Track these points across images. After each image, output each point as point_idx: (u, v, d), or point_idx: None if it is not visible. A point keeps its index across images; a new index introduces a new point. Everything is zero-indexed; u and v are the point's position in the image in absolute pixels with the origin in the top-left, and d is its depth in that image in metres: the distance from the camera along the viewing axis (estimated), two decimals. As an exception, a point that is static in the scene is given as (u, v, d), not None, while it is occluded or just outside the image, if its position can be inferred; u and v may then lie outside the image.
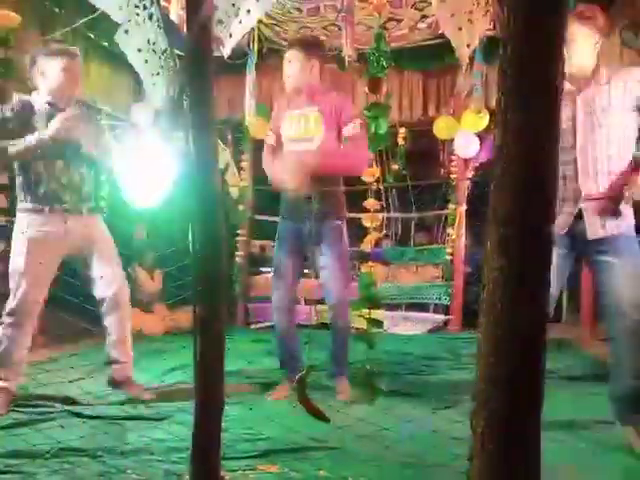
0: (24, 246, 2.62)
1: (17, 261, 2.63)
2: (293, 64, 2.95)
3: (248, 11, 2.36)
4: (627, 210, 2.28)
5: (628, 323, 2.18)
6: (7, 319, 2.63)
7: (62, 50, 2.69)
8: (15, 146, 2.53)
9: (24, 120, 2.61)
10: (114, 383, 2.91)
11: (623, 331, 2.20)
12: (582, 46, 2.24)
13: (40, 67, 2.65)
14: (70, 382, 3.14)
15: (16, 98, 2.65)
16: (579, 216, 2.26)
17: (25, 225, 2.65)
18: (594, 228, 2.24)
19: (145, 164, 2.94)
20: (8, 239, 2.85)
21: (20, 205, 2.69)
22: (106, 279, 2.81)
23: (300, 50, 2.94)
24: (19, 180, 2.69)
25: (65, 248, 2.73)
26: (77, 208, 2.74)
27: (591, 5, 2.28)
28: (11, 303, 2.63)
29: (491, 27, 2.80)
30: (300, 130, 2.95)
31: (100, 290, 2.82)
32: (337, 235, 2.93)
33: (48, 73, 2.65)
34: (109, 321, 2.85)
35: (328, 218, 2.90)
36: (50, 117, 2.62)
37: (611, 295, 2.24)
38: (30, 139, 2.55)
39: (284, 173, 2.84)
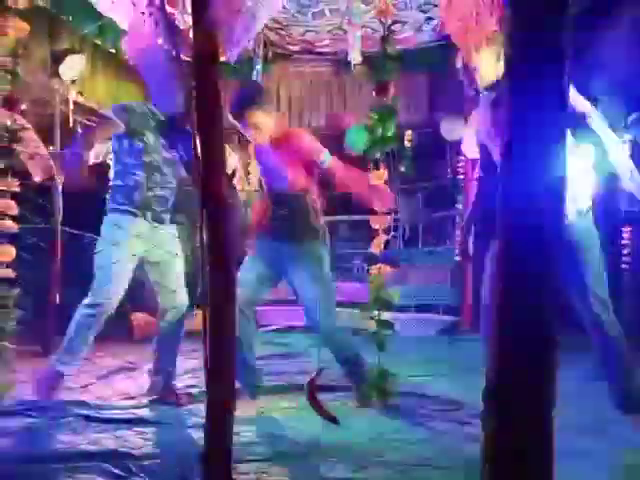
0: (114, 243, 2.77)
1: (105, 256, 2.77)
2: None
3: (254, 16, 2.38)
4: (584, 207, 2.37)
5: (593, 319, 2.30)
6: (87, 310, 2.75)
7: None
8: None
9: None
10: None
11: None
12: None
13: None
14: (83, 387, 3.17)
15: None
16: None
17: (117, 224, 2.79)
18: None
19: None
20: (21, 246, 2.89)
21: (113, 206, 2.85)
22: (171, 289, 2.93)
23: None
24: (116, 184, 2.85)
25: (146, 249, 2.87)
26: (162, 218, 2.90)
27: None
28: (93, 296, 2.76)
29: (497, 28, 2.79)
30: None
31: (164, 299, 2.94)
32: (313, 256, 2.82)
33: None
34: (165, 330, 2.94)
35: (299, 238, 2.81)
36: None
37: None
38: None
39: None
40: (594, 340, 2.44)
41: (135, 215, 2.81)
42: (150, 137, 2.82)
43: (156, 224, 2.87)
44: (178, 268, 2.97)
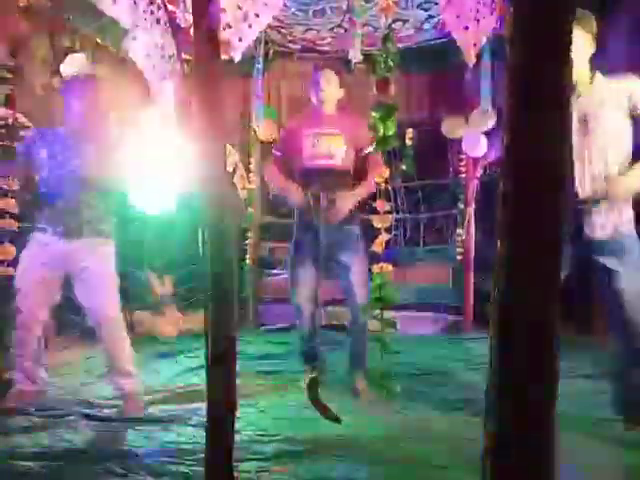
0: (24, 263, 2.67)
1: (17, 277, 2.68)
2: (332, 84, 3.17)
3: (257, 15, 2.37)
4: (628, 211, 2.32)
5: (629, 326, 2.22)
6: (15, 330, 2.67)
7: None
8: None
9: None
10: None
11: (624, 333, 2.24)
12: (578, 51, 2.27)
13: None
14: (84, 385, 3.17)
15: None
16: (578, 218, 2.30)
17: (28, 245, 2.69)
18: (592, 229, 2.30)
19: (153, 170, 2.94)
20: (19, 244, 2.88)
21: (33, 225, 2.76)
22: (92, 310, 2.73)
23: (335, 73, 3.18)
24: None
25: (64, 268, 2.70)
26: (76, 231, 2.70)
27: (585, 11, 2.32)
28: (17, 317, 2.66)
29: (498, 26, 2.79)
30: (322, 149, 3.11)
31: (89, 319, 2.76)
32: (355, 239, 3.08)
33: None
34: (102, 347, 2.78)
35: (343, 223, 3.02)
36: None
37: (612, 296, 2.27)
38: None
39: (303, 186, 3.06)
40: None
41: (44, 231, 2.69)
42: (44, 153, 2.69)
43: (67, 239, 2.69)
44: (103, 284, 2.73)
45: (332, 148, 3.10)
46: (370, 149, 3.06)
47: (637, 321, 2.24)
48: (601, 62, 2.43)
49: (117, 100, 2.87)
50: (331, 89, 3.16)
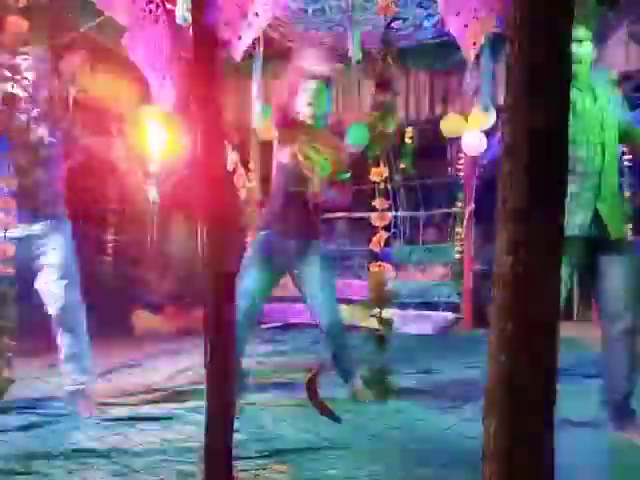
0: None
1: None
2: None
3: (256, 14, 2.37)
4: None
5: (622, 325, 2.23)
6: None
7: None
8: None
9: None
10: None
11: (617, 332, 2.24)
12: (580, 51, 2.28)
13: None
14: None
15: None
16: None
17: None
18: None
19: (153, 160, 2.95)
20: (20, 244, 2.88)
21: None
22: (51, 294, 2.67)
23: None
24: None
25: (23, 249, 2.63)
26: (32, 210, 2.65)
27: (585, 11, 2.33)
28: None
29: (498, 24, 2.79)
30: None
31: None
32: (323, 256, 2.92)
33: None
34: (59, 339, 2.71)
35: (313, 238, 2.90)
36: None
37: (607, 295, 2.27)
38: None
39: None
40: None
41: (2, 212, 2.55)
42: None
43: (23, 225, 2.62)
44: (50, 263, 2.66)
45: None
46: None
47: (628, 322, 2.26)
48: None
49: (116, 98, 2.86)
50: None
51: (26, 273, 2.69)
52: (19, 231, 2.62)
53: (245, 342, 2.79)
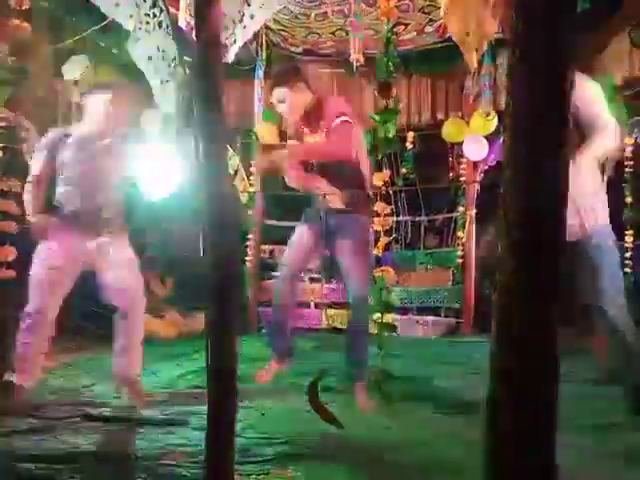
0: (46, 256, 2.72)
1: (37, 270, 2.72)
2: (284, 104, 2.99)
3: (252, 16, 2.38)
4: (601, 209, 2.39)
5: (607, 319, 2.33)
6: (26, 322, 2.70)
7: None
8: None
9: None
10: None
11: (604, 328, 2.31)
12: None
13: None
14: (85, 387, 3.17)
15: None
16: None
17: (49, 238, 2.75)
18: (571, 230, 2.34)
19: (156, 163, 2.99)
20: (20, 246, 2.89)
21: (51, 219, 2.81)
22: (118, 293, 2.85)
23: (284, 86, 2.97)
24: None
25: (82, 262, 2.81)
26: (94, 227, 2.83)
27: None
28: (29, 308, 2.70)
29: (500, 30, 2.79)
30: None
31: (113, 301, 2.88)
32: (356, 230, 2.96)
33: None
34: (118, 331, 2.89)
35: (346, 213, 2.96)
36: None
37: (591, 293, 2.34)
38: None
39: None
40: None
41: (63, 228, 2.77)
42: (66, 154, 2.80)
43: (87, 235, 2.82)
44: (126, 276, 2.88)
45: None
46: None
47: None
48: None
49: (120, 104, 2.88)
50: (286, 110, 3.04)
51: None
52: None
53: None
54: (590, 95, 2.44)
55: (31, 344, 2.71)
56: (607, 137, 2.44)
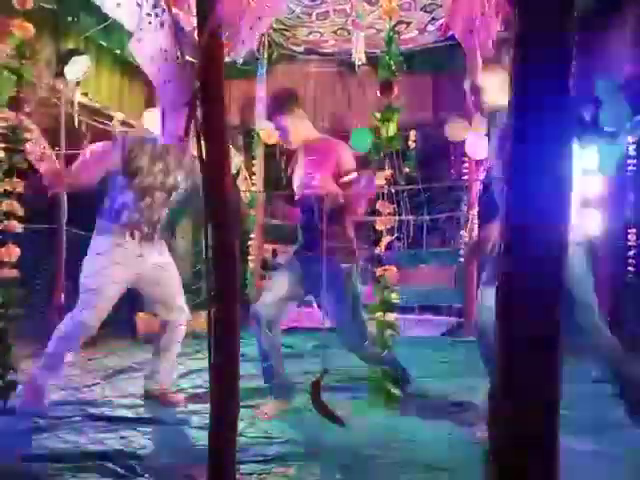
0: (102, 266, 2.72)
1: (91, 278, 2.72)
2: (284, 131, 2.90)
3: (259, 18, 2.38)
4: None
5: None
6: (68, 329, 2.69)
7: None
8: None
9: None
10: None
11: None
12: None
13: None
14: (87, 387, 3.17)
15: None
16: None
17: (104, 246, 2.75)
18: None
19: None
20: (25, 246, 2.89)
21: (101, 225, 2.81)
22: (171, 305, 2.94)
23: (282, 113, 2.87)
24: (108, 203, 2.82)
25: (137, 271, 2.82)
26: (151, 236, 2.86)
27: None
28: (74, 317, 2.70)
29: (502, 28, 2.79)
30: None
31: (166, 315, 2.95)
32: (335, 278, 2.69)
33: None
34: (162, 341, 2.95)
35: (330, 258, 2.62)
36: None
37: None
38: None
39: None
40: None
41: (124, 236, 2.77)
42: (144, 161, 2.78)
43: (145, 244, 2.83)
44: (174, 282, 2.96)
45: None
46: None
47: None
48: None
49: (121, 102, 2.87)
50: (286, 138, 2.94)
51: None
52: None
53: None
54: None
55: (69, 348, 2.71)
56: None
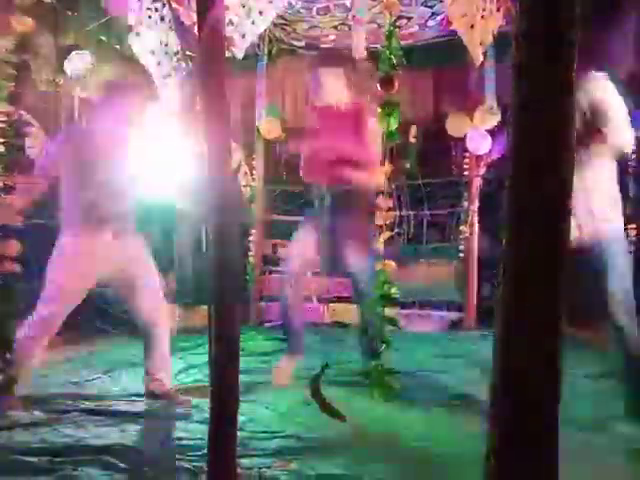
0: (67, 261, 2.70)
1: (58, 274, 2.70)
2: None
3: (260, 12, 2.38)
4: (612, 213, 2.38)
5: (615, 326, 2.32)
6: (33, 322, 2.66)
7: None
8: None
9: None
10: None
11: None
12: None
13: None
14: (87, 381, 3.18)
15: None
16: None
17: (71, 242, 2.72)
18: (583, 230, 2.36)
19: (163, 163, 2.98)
20: (25, 241, 2.89)
21: (67, 222, 2.77)
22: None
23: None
24: (69, 199, 2.77)
25: (107, 266, 2.77)
26: (122, 230, 2.80)
27: None
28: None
29: (504, 24, 2.78)
30: None
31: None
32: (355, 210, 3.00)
33: None
34: (148, 336, 2.89)
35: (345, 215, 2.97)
36: None
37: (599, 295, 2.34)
38: None
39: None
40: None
41: (93, 232, 2.73)
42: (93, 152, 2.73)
43: (116, 239, 2.78)
44: (150, 282, 2.89)
45: None
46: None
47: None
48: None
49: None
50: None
51: None
52: None
53: None
54: (606, 93, 2.41)
55: (38, 339, 2.68)
56: (624, 135, 2.42)
